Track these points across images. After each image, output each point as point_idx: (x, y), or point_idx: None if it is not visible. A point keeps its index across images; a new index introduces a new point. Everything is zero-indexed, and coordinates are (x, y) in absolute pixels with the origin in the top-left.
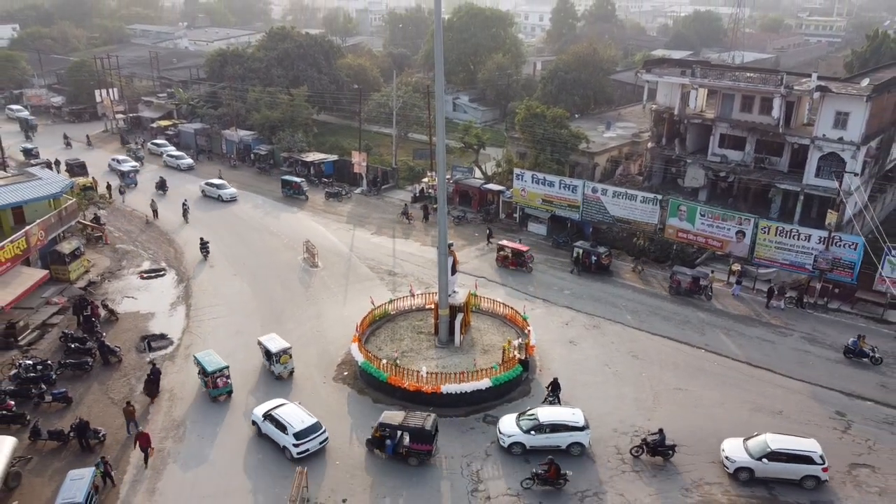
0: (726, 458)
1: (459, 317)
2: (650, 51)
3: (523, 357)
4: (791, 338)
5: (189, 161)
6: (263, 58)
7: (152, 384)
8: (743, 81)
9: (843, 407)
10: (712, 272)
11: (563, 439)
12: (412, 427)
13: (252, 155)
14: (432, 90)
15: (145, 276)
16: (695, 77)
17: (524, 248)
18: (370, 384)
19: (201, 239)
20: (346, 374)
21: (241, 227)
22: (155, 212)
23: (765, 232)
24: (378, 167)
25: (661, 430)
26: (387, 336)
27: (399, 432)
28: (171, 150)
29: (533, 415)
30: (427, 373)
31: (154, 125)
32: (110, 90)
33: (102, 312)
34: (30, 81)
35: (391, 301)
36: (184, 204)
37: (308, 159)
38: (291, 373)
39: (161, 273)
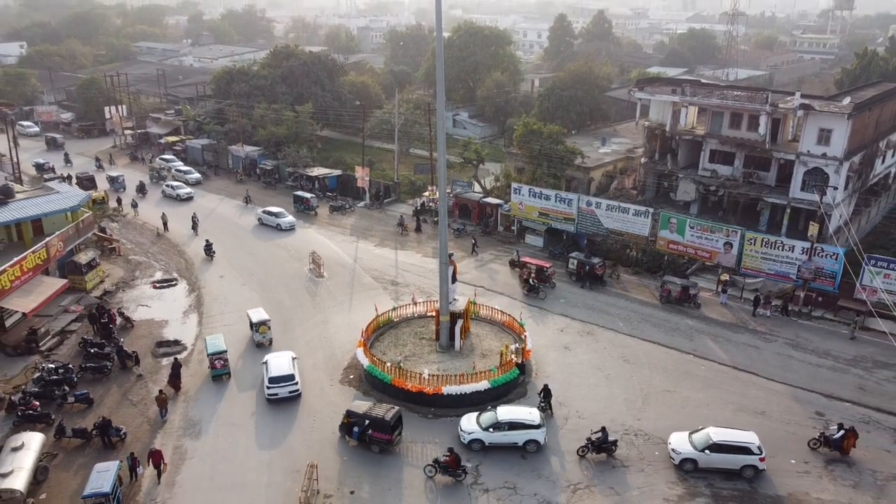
0: (672, 450)
1: (459, 323)
2: (646, 68)
3: (520, 361)
4: (775, 343)
5: (197, 176)
6: (268, 75)
7: (175, 377)
8: (730, 100)
9: (822, 407)
10: (687, 278)
11: (520, 437)
12: (373, 417)
13: (258, 170)
14: (433, 108)
15: (158, 285)
16: (685, 95)
17: (547, 265)
18: (375, 386)
19: (206, 241)
20: (351, 377)
21: (248, 239)
22: (165, 224)
23: (751, 243)
24: (380, 182)
25: (603, 428)
26: (390, 341)
27: (364, 420)
28: (179, 165)
29: (492, 413)
30: (429, 375)
31: (162, 141)
32: (119, 107)
33: (119, 320)
34: (40, 98)
35: (394, 308)
36: (193, 217)
37: (313, 174)
38: (270, 342)
39: (173, 283)
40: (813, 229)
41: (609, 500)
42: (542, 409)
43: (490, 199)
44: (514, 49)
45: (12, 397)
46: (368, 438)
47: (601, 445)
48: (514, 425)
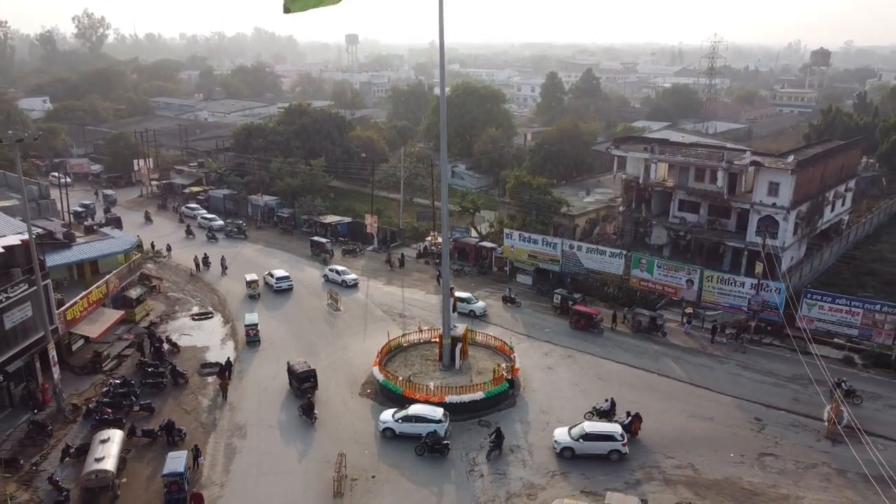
0: (555, 441)
1: (459, 346)
2: (631, 122)
3: (510, 377)
4: (728, 365)
5: (220, 223)
6: (284, 131)
7: (223, 373)
8: (692, 157)
9: (760, 414)
10: (634, 311)
11: (423, 428)
12: (292, 370)
13: (275, 217)
14: (435, 162)
15: (196, 317)
16: (653, 153)
17: (595, 312)
18: (388, 398)
19: (205, 254)
20: (368, 391)
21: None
22: (197, 265)
23: (709, 280)
24: (387, 228)
25: (434, 431)
26: (400, 362)
27: (289, 373)
28: (204, 213)
29: (406, 410)
30: (434, 387)
31: (186, 191)
32: (146, 159)
33: (166, 346)
34: (69, 151)
35: (403, 335)
36: (222, 259)
37: (326, 221)
38: (259, 295)
39: (209, 315)
40: (759, 267)
41: (580, 482)
42: (490, 450)
43: (485, 243)
44: (508, 104)
45: (89, 406)
46: (291, 384)
47: (434, 446)
48: (420, 419)
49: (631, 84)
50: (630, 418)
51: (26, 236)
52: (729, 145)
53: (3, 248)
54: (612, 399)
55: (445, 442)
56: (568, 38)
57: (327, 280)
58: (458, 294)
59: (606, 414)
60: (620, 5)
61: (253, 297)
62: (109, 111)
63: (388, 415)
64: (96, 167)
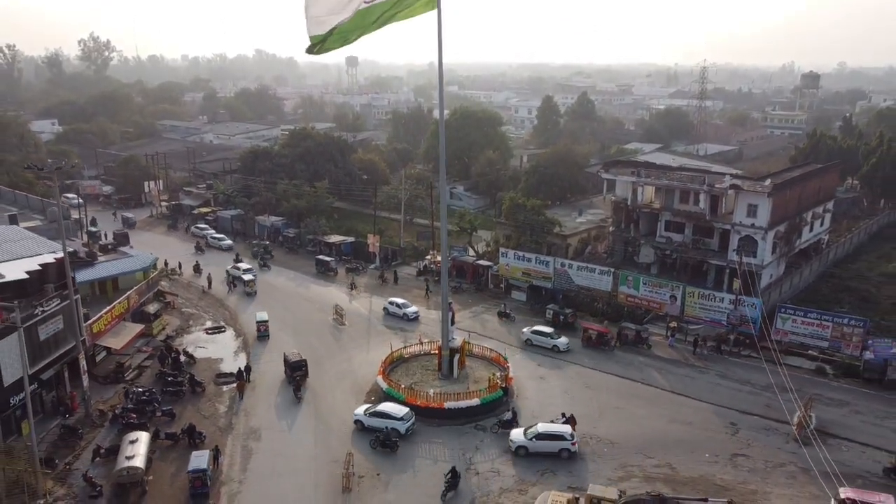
0: (511, 441)
1: (457, 357)
2: (625, 144)
3: (504, 385)
4: (708, 375)
5: (229, 242)
6: (289, 154)
7: (240, 376)
8: (676, 181)
9: (735, 419)
10: (621, 325)
11: (386, 423)
12: (286, 359)
13: (281, 237)
14: (434, 184)
15: (210, 331)
16: (640, 177)
17: (606, 331)
18: None
19: (197, 262)
20: (373, 398)
21: (280, 295)
22: (209, 283)
23: (691, 296)
24: (388, 247)
25: (387, 427)
26: (402, 372)
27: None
28: (212, 232)
29: (375, 407)
30: (434, 394)
31: (195, 211)
32: (157, 181)
33: (183, 358)
34: (80, 173)
35: (405, 347)
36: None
37: (330, 241)
38: (255, 292)
39: (222, 329)
40: (736, 284)
41: (568, 479)
42: (445, 490)
43: (482, 262)
44: (506, 125)
45: (115, 411)
46: (286, 372)
47: (385, 441)
48: (384, 415)
49: (626, 106)
50: (565, 420)
51: (60, 255)
52: (714, 168)
53: (39, 265)
54: (513, 409)
55: (395, 439)
56: (565, 59)
57: (388, 313)
58: (539, 328)
59: (509, 424)
60: (618, 25)
61: (249, 294)
62: (117, 133)
63: (361, 410)
64: (107, 188)
